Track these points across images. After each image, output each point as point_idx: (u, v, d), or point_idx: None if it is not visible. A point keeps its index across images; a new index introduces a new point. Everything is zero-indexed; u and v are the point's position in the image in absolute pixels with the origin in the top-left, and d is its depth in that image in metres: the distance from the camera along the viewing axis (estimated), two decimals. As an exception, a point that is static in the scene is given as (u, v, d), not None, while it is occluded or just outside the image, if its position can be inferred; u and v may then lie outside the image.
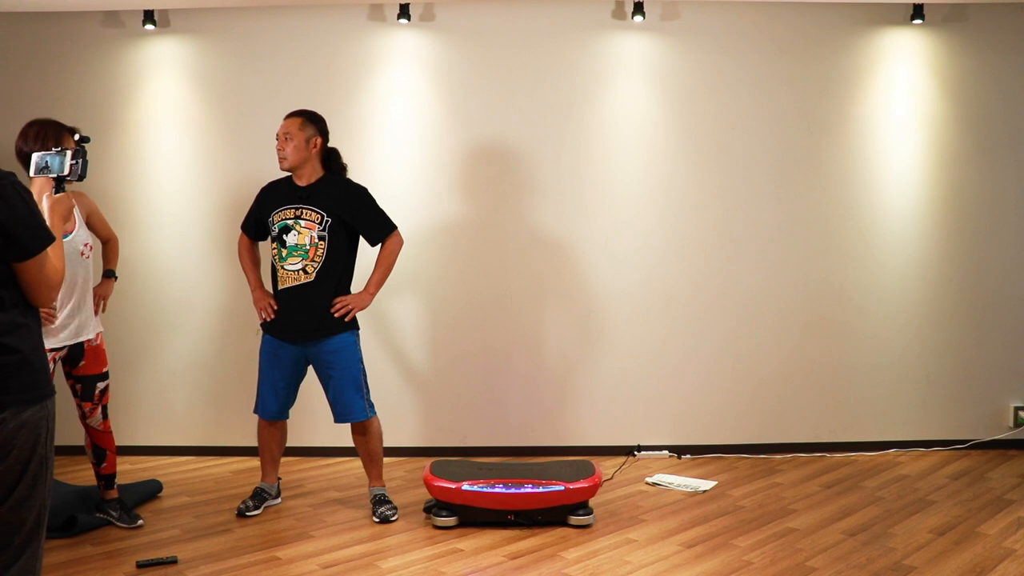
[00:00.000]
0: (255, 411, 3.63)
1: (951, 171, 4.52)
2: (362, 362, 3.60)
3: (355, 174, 4.47)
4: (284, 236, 3.50)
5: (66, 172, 2.25)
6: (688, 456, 4.52)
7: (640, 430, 4.55)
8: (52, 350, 3.17)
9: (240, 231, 3.74)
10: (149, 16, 4.36)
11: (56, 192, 2.23)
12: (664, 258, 4.51)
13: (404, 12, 4.35)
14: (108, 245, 3.52)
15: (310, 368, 3.62)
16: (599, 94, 4.47)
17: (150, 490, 3.86)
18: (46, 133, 3.12)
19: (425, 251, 4.50)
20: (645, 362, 4.54)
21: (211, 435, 4.52)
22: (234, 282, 4.45)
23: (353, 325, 3.57)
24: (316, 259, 3.48)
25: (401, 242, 3.63)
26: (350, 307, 3.52)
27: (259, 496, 3.66)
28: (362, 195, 3.58)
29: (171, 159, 4.50)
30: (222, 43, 4.47)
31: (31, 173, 2.24)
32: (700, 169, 4.50)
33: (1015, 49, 4.48)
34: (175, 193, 4.50)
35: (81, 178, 2.30)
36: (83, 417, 3.38)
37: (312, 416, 4.36)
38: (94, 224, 3.40)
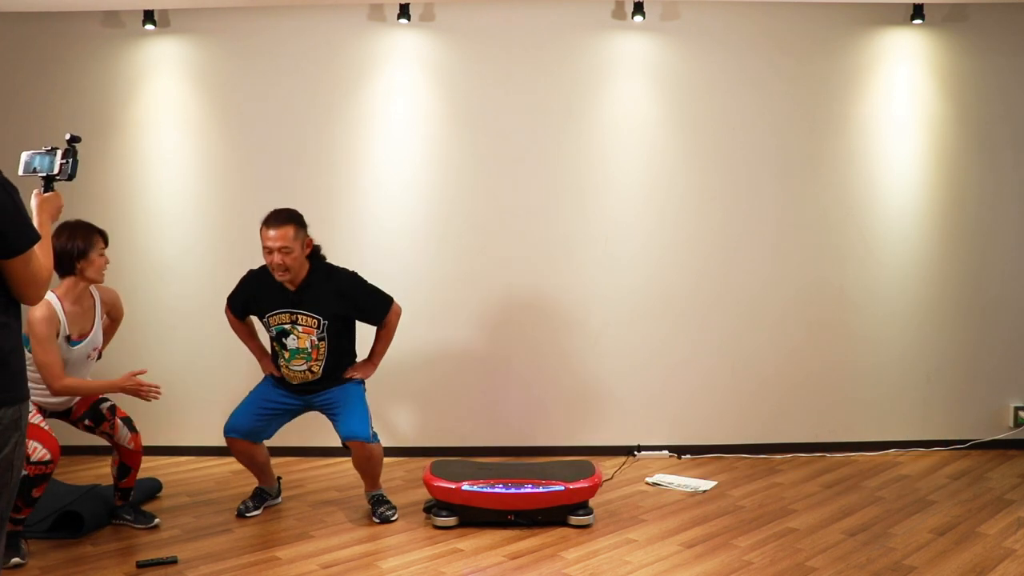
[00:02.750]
0: (224, 431, 3.54)
1: (951, 171, 4.52)
2: (367, 403, 3.59)
3: (355, 174, 4.49)
4: (283, 339, 3.49)
5: (55, 171, 2.24)
6: (688, 456, 4.52)
7: (640, 430, 4.55)
8: (40, 408, 3.19)
9: (227, 305, 3.67)
10: (149, 16, 4.36)
11: (45, 191, 2.22)
12: (664, 258, 4.51)
13: (404, 12, 4.35)
14: (111, 325, 3.51)
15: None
16: (599, 94, 4.47)
17: (150, 489, 3.85)
18: (75, 233, 3.12)
19: (425, 251, 4.50)
20: (645, 362, 4.54)
21: (211, 435, 4.50)
22: (235, 282, 4.44)
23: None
24: (320, 359, 3.50)
25: (399, 312, 3.63)
26: (358, 376, 3.61)
27: (259, 496, 3.66)
28: (352, 285, 3.52)
29: (171, 159, 4.50)
30: (222, 43, 4.47)
31: (20, 172, 2.23)
32: (700, 169, 4.50)
33: (1015, 49, 4.48)
34: (175, 193, 4.50)
35: (71, 178, 2.28)
36: (111, 439, 3.37)
37: (312, 416, 4.36)
38: (111, 314, 3.44)
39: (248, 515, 3.56)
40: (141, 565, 3.02)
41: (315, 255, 3.49)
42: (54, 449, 3.00)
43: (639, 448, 4.52)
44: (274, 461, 3.87)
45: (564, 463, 3.68)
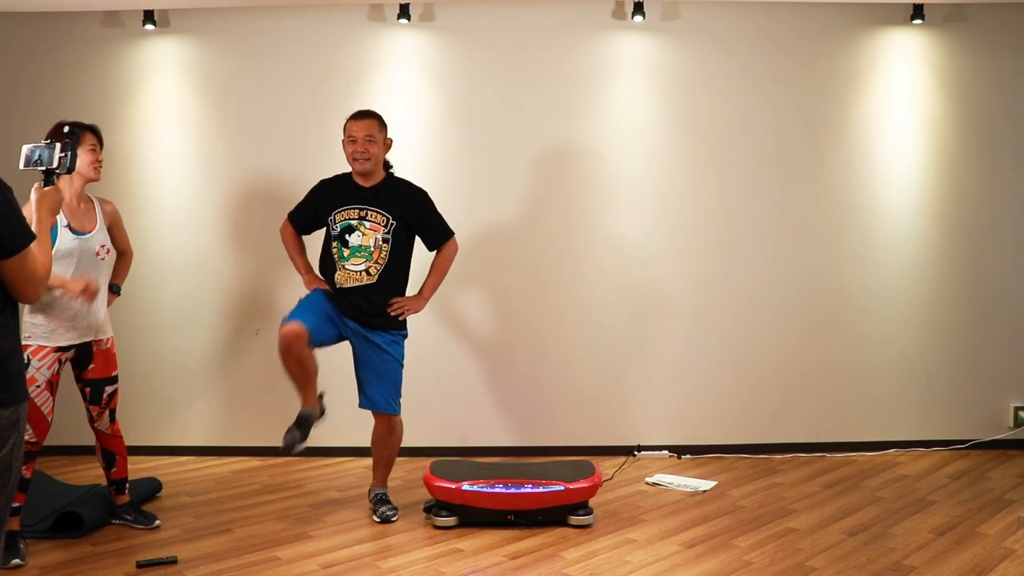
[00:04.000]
0: (285, 320, 3.35)
1: (951, 171, 4.52)
2: (403, 364, 3.57)
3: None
4: (347, 236, 3.48)
5: (55, 165, 2.24)
6: (688, 456, 4.52)
7: (640, 430, 4.55)
8: (59, 349, 3.15)
9: (287, 220, 3.67)
10: (149, 16, 4.36)
11: (45, 185, 2.22)
12: (664, 258, 4.51)
13: (404, 12, 4.35)
14: (122, 258, 3.48)
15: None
16: (599, 94, 4.47)
17: (150, 489, 3.85)
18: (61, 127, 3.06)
19: (425, 251, 4.49)
20: (645, 362, 4.54)
21: (211, 435, 4.52)
22: (235, 282, 4.45)
23: (403, 326, 3.60)
24: (380, 261, 3.48)
25: (457, 248, 3.66)
26: (405, 308, 3.55)
27: (303, 423, 3.39)
28: (425, 199, 3.58)
29: (171, 159, 4.50)
30: (222, 43, 4.47)
31: (21, 166, 2.23)
32: (700, 169, 4.50)
33: (1015, 49, 4.48)
34: (175, 193, 4.50)
35: (70, 170, 2.28)
36: (91, 421, 3.36)
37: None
38: (114, 234, 3.38)
39: (296, 449, 3.37)
40: (141, 565, 3.01)
41: (388, 166, 3.59)
42: (41, 431, 3.04)
43: (639, 448, 4.52)
44: (274, 461, 3.87)
45: (564, 463, 3.68)
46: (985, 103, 4.49)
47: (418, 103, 4.47)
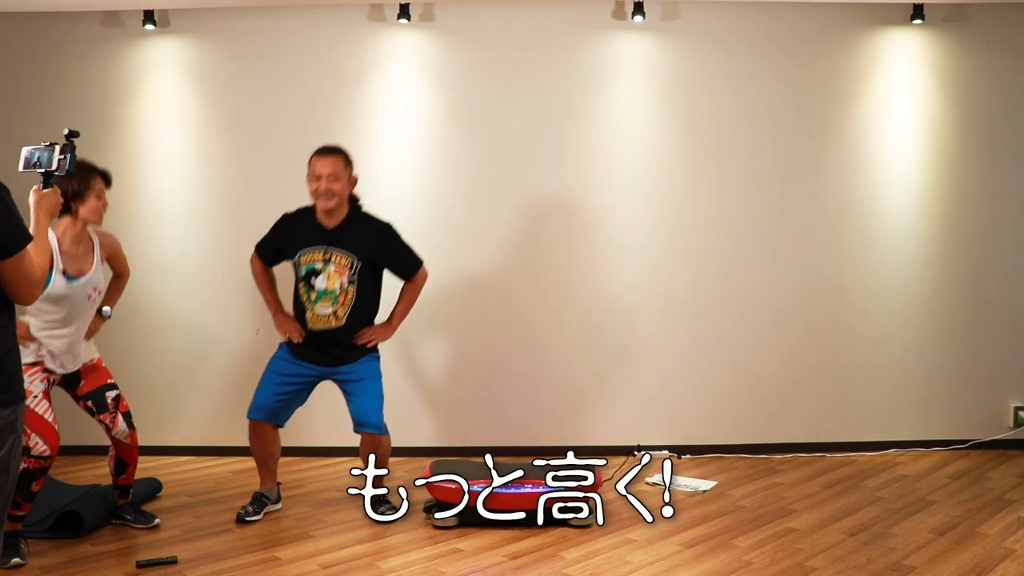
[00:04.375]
0: (248, 414, 3.54)
1: (951, 171, 4.52)
2: (380, 380, 3.59)
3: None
4: (312, 279, 3.46)
5: (54, 167, 2.23)
6: (688, 456, 4.52)
7: (640, 430, 4.55)
8: (47, 369, 3.16)
9: (255, 252, 3.66)
10: (149, 16, 4.36)
11: (44, 187, 2.21)
12: (664, 258, 4.51)
13: (404, 12, 4.35)
14: (117, 280, 3.47)
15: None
16: (599, 94, 4.47)
17: (150, 489, 3.85)
18: (74, 173, 3.07)
19: (424, 251, 4.48)
20: (645, 362, 4.54)
21: (211, 435, 4.52)
22: (234, 282, 4.45)
23: (375, 351, 3.62)
24: (347, 304, 3.48)
25: (426, 275, 3.65)
26: (374, 339, 3.58)
27: (259, 501, 3.61)
28: (391, 235, 3.55)
29: (171, 159, 4.50)
30: (222, 43, 4.47)
31: (20, 168, 2.23)
32: (700, 169, 4.50)
33: (1015, 49, 4.48)
34: (175, 193, 4.50)
35: (69, 172, 2.28)
36: (108, 430, 3.34)
37: (312, 416, 4.35)
38: (113, 263, 3.39)
39: (248, 520, 3.52)
40: (141, 565, 3.01)
41: (353, 201, 3.54)
42: (53, 443, 3.00)
43: (639, 448, 4.52)
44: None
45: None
46: (985, 103, 4.49)
47: (418, 103, 4.47)
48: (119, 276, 3.47)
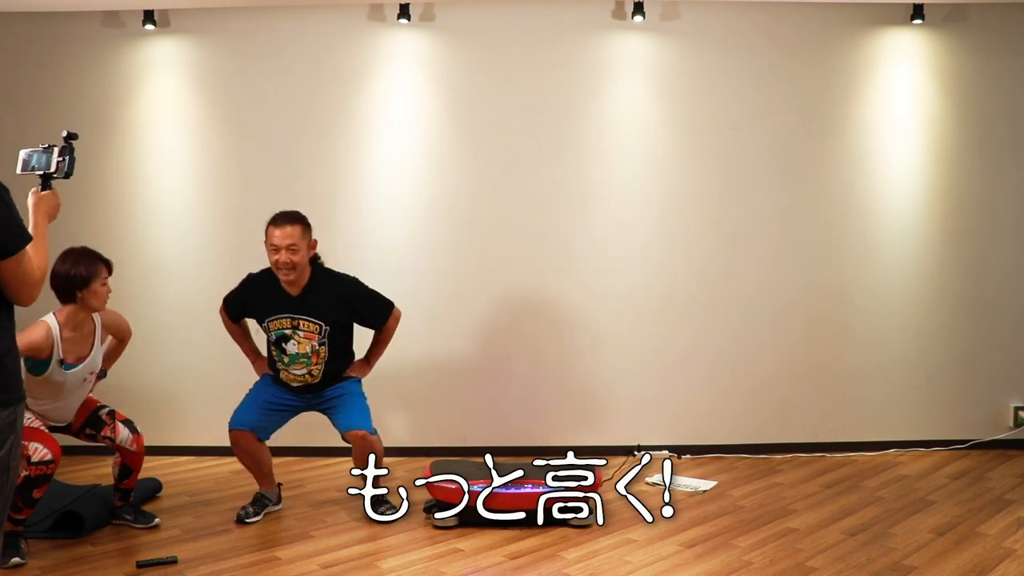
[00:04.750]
0: (229, 426, 3.53)
1: (951, 171, 4.52)
2: (366, 398, 3.60)
3: (355, 174, 4.49)
4: (283, 343, 3.48)
5: (53, 169, 2.23)
6: (688, 456, 4.51)
7: (640, 430, 4.55)
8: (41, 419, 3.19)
9: (222, 305, 3.67)
10: (149, 16, 4.36)
11: (43, 189, 2.21)
12: (664, 258, 4.51)
13: (404, 12, 4.35)
14: (119, 344, 3.49)
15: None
16: (599, 94, 4.47)
17: (150, 489, 3.85)
18: (79, 261, 3.09)
19: (425, 250, 4.50)
20: (645, 362, 4.54)
21: (211, 435, 4.51)
22: (233, 282, 4.42)
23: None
24: (320, 363, 3.50)
25: (399, 316, 3.64)
26: (352, 375, 3.62)
27: (259, 502, 3.60)
28: (354, 291, 3.52)
29: (171, 159, 4.50)
30: (222, 43, 4.47)
31: (18, 170, 2.22)
32: (700, 169, 4.50)
33: (1015, 49, 4.48)
34: (175, 193, 4.50)
35: (68, 175, 2.27)
36: (112, 442, 3.34)
37: (311, 416, 4.35)
38: (115, 334, 3.42)
39: (248, 521, 3.51)
40: (141, 565, 3.01)
41: (314, 261, 3.50)
42: (55, 450, 3.00)
43: (639, 448, 4.52)
44: (274, 461, 3.87)
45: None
46: (985, 103, 4.49)
47: (418, 103, 4.47)
48: (120, 341, 3.50)
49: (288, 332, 3.46)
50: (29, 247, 1.90)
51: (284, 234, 3.34)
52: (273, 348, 3.52)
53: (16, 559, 2.98)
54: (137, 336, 4.46)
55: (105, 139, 4.43)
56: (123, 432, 3.34)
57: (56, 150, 2.23)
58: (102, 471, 4.15)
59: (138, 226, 4.48)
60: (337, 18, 4.44)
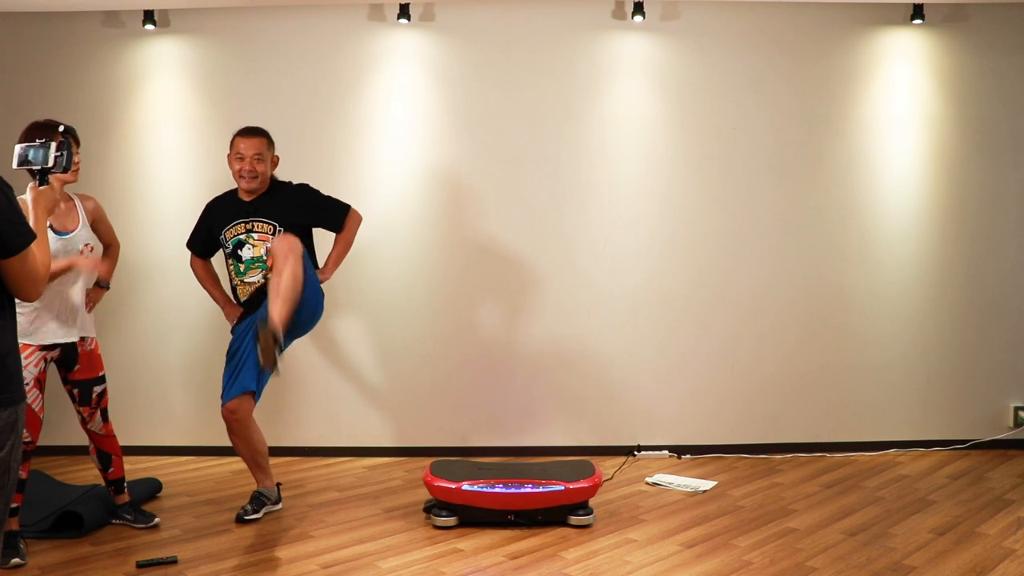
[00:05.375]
0: (221, 404, 3.47)
1: (951, 171, 4.52)
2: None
3: (355, 174, 4.49)
4: (239, 251, 3.53)
5: (50, 164, 2.23)
6: (688, 456, 4.52)
7: (640, 430, 4.55)
8: (44, 348, 3.14)
9: (189, 250, 3.71)
10: (149, 16, 4.36)
11: (40, 185, 2.21)
12: (664, 258, 4.51)
13: (404, 12, 4.35)
14: (108, 251, 3.47)
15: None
16: (599, 94, 4.47)
17: (150, 489, 3.85)
18: (34, 132, 3.04)
19: (425, 251, 4.50)
20: (645, 362, 4.54)
21: (211, 435, 4.50)
22: (234, 282, 4.45)
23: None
24: None
25: (359, 219, 3.66)
26: None
27: (258, 500, 3.59)
28: (306, 194, 3.60)
29: (171, 159, 4.50)
30: (222, 43, 4.47)
31: (14, 165, 2.22)
32: (700, 169, 4.50)
33: (1015, 49, 4.47)
34: (175, 193, 4.50)
35: (65, 170, 2.27)
36: (83, 422, 3.34)
37: (311, 416, 4.36)
38: (98, 229, 3.38)
39: (247, 519, 3.50)
40: (141, 565, 3.02)
41: (273, 177, 3.60)
42: (34, 430, 3.03)
43: (639, 448, 4.52)
44: (274, 461, 3.87)
45: (564, 463, 3.68)
46: (985, 103, 4.49)
47: (418, 103, 4.47)
48: (108, 245, 3.47)
49: (243, 237, 3.52)
50: (32, 243, 1.91)
51: (251, 144, 3.48)
52: (230, 263, 3.56)
53: (16, 559, 2.98)
54: (137, 335, 4.48)
55: (105, 139, 4.43)
56: (97, 418, 3.34)
57: (53, 145, 2.23)
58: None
59: (138, 226, 4.48)
60: (337, 18, 4.44)
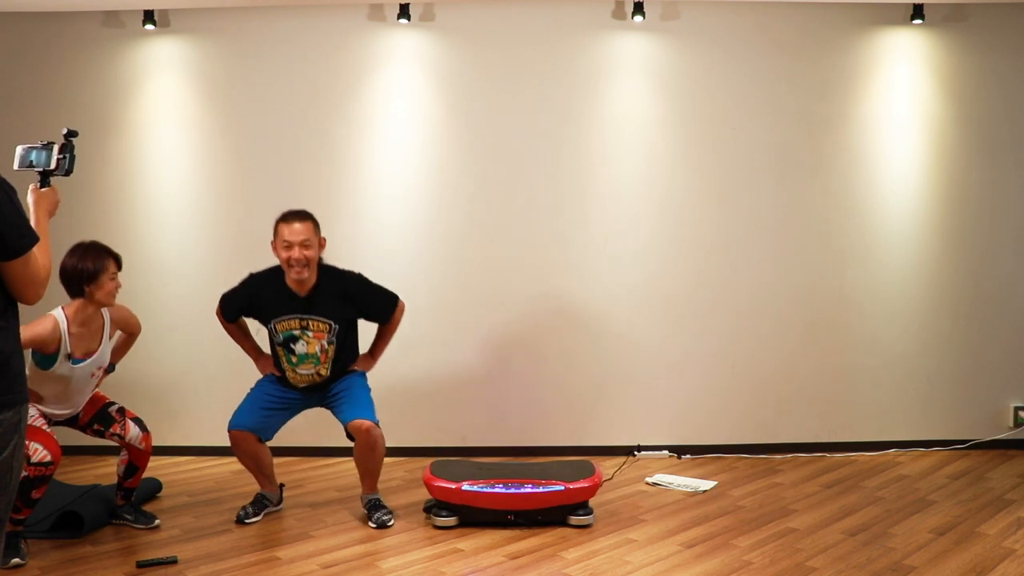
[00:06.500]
0: (228, 427, 3.49)
1: (951, 171, 4.52)
2: (370, 392, 3.58)
3: (355, 174, 4.49)
4: (291, 344, 3.45)
5: (52, 166, 2.22)
6: (688, 456, 4.52)
7: (640, 430, 4.55)
8: (45, 416, 3.18)
9: (219, 307, 3.60)
10: (149, 16, 4.36)
11: (42, 187, 2.20)
12: (664, 258, 4.51)
13: (404, 12, 4.35)
14: (128, 338, 3.48)
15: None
16: (599, 94, 4.47)
17: (150, 489, 3.85)
18: (86, 255, 3.08)
19: (425, 250, 4.49)
20: (645, 362, 4.54)
21: (211, 435, 4.51)
22: (233, 282, 4.43)
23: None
24: (328, 361, 3.49)
25: (404, 309, 3.63)
26: (357, 370, 3.61)
27: (259, 503, 3.59)
28: (360, 287, 3.50)
29: (171, 159, 4.50)
30: (222, 43, 4.47)
31: (15, 167, 2.21)
32: (700, 169, 4.50)
33: (1015, 49, 4.48)
34: (175, 193, 4.50)
35: (68, 173, 2.25)
36: (122, 440, 3.34)
37: (311, 416, 4.35)
38: (124, 329, 3.40)
39: (247, 521, 3.50)
40: (141, 565, 3.01)
41: (321, 261, 3.48)
42: (55, 451, 2.99)
43: (639, 448, 4.52)
44: (275, 461, 3.87)
45: (564, 463, 3.68)
46: (985, 103, 4.49)
47: (418, 103, 4.47)
48: (129, 335, 3.49)
49: (297, 333, 3.44)
50: (34, 247, 1.90)
51: (298, 230, 3.31)
52: (280, 349, 3.49)
53: (16, 559, 2.98)
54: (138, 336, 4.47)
55: (105, 139, 4.43)
56: (133, 430, 3.34)
57: (56, 147, 2.22)
58: (103, 471, 4.16)
59: (138, 226, 4.48)
60: (337, 18, 4.44)
